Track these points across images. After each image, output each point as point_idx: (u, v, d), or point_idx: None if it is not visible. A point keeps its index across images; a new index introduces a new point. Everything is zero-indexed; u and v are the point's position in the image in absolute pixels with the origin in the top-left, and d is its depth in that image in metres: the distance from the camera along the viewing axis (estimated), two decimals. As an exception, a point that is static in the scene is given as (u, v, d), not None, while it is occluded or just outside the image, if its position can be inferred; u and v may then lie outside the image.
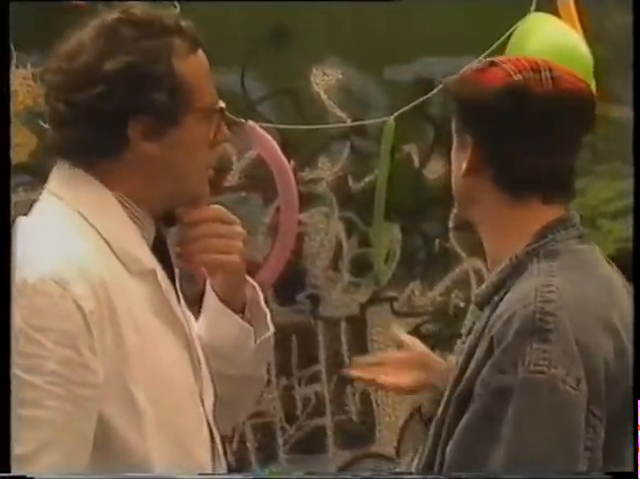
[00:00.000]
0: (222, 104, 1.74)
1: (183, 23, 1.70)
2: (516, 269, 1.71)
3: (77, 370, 1.51)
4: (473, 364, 1.66)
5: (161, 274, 1.69)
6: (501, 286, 1.72)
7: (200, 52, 1.71)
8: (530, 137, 1.72)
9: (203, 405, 1.74)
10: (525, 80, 1.73)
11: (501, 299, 1.69)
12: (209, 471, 1.72)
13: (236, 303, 1.86)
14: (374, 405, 3.78)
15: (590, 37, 3.44)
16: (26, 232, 1.62)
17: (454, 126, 1.81)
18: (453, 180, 1.83)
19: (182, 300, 1.79)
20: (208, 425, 1.75)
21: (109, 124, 1.62)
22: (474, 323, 1.75)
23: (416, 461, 1.77)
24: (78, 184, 1.66)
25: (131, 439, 1.58)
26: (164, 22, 1.67)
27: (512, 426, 1.57)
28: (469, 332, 1.76)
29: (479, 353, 1.66)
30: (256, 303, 1.89)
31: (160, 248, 1.74)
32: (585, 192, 3.64)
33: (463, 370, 1.69)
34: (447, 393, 1.74)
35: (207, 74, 1.72)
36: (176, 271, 1.78)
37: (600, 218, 3.75)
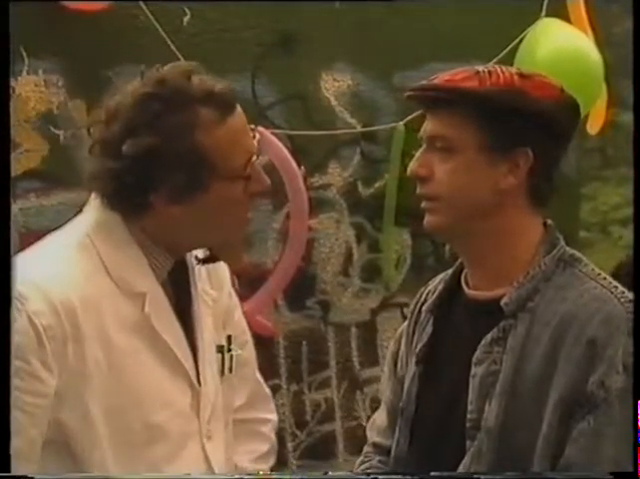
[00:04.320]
0: (255, 158, 1.76)
1: (216, 88, 1.71)
2: (545, 275, 1.73)
3: (26, 379, 1.62)
4: (557, 368, 1.66)
5: (153, 299, 1.74)
6: (535, 293, 1.72)
7: (234, 116, 1.73)
8: (563, 150, 1.79)
9: (199, 418, 1.79)
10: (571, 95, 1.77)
11: (537, 305, 1.71)
12: None
13: None
14: (384, 411, 3.77)
15: (601, 42, 3.44)
16: (34, 248, 1.76)
17: (493, 139, 1.73)
18: (473, 192, 1.75)
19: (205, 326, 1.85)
20: (201, 438, 1.80)
21: (132, 192, 1.70)
22: (504, 331, 1.73)
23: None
24: (101, 214, 1.75)
25: (84, 443, 1.68)
26: (193, 93, 1.70)
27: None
28: (498, 340, 1.74)
29: (567, 357, 1.66)
30: None
31: (179, 277, 1.82)
32: (595, 197, 3.63)
33: (513, 375, 1.70)
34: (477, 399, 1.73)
35: (238, 137, 1.75)
36: (195, 301, 1.84)
37: (611, 224, 3.75)
